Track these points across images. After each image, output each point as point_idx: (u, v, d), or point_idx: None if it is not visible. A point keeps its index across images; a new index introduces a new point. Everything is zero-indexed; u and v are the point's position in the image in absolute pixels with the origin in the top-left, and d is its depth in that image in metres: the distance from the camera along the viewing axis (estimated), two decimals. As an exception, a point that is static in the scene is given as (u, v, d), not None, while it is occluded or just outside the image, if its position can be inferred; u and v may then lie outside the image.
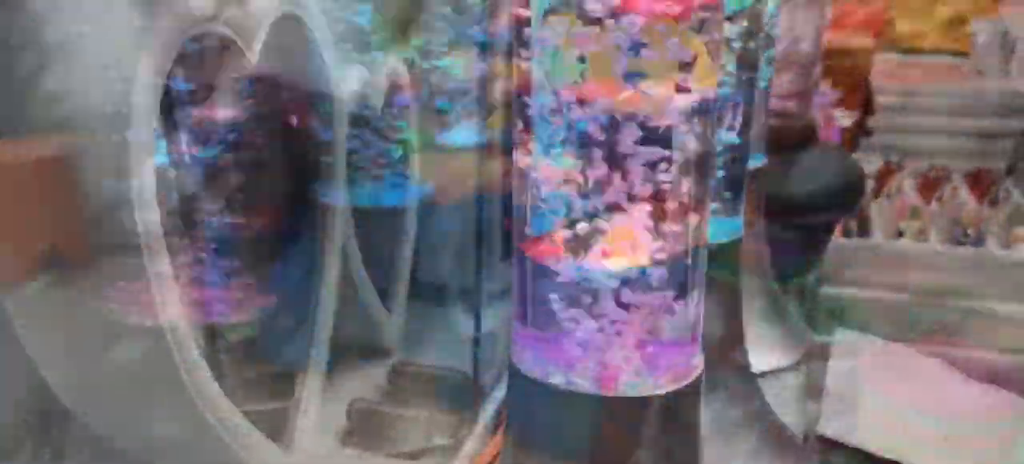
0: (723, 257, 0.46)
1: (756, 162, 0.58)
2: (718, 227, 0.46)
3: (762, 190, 0.58)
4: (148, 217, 0.28)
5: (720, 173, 0.45)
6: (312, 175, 0.43)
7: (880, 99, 1.96)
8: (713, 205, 0.44)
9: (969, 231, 0.95)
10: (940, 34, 2.39)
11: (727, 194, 0.46)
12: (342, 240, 0.45)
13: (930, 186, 1.14)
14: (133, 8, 0.28)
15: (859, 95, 1.94)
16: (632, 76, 0.28)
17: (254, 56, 0.34)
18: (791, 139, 0.68)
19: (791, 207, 0.65)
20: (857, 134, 1.98)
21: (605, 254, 0.30)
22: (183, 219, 0.39)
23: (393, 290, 0.50)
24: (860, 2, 2.32)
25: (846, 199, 0.69)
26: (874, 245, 1.01)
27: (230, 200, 0.40)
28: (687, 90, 0.29)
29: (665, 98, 0.28)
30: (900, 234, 1.00)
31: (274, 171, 0.43)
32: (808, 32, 0.68)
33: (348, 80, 0.44)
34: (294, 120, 0.42)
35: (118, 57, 0.27)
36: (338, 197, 0.43)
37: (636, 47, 0.27)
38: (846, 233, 1.04)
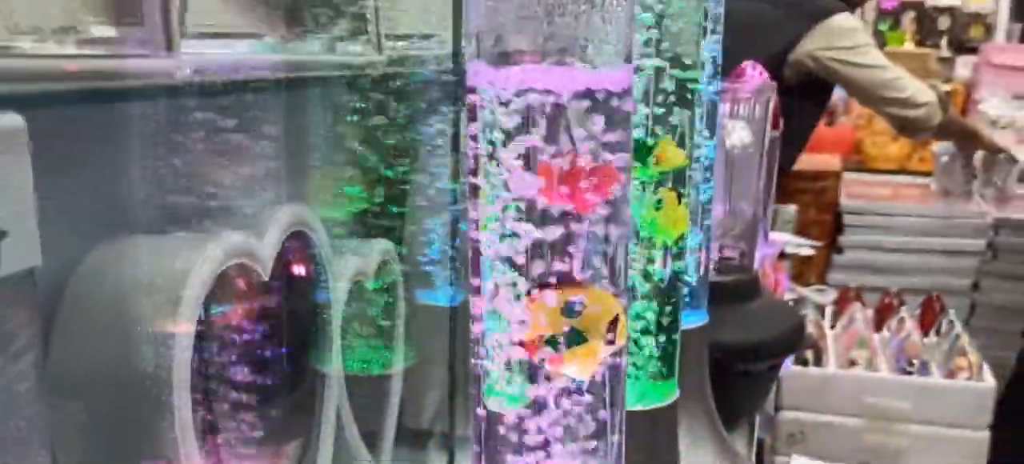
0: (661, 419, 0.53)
1: (697, 320, 0.66)
2: (653, 390, 0.54)
3: (702, 346, 0.66)
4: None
5: (650, 346, 0.53)
6: (309, 347, 0.51)
7: (847, 218, 2.07)
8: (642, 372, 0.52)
9: (914, 361, 1.03)
10: (905, 155, 2.52)
11: (662, 367, 0.54)
12: (337, 403, 0.53)
13: (883, 314, 1.22)
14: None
15: (829, 218, 2.05)
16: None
17: (266, 274, 0.43)
18: (737, 293, 0.77)
19: (739, 357, 0.73)
20: (829, 252, 2.08)
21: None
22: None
23: (381, 443, 0.58)
24: (827, 126, 2.45)
25: (790, 346, 0.78)
26: (829, 374, 1.08)
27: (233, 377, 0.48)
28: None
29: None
30: (852, 363, 1.08)
31: (277, 347, 0.51)
32: (749, 191, 0.77)
33: (346, 267, 0.53)
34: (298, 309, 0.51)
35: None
36: (333, 364, 0.51)
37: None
38: (802, 362, 1.11)
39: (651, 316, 0.52)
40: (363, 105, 0.50)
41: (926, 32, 3.00)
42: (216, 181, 0.40)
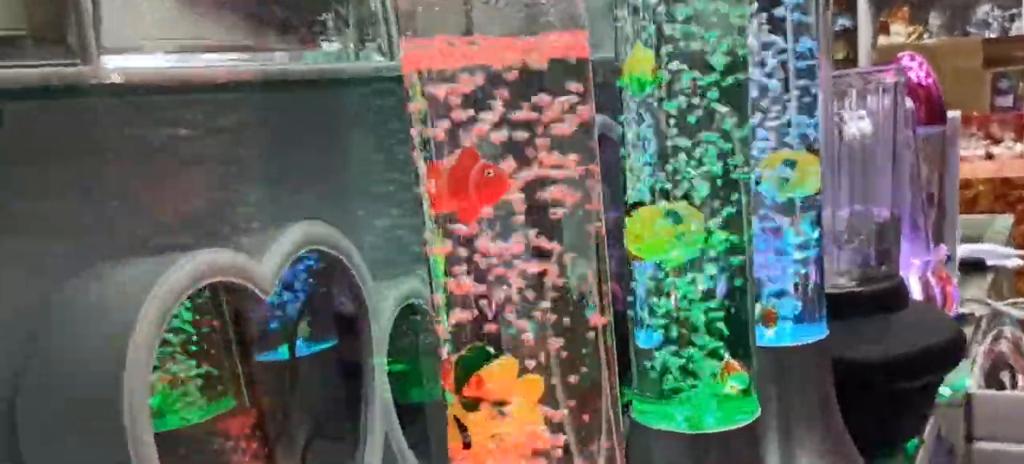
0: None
1: (813, 335, 0.59)
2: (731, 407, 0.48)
3: (822, 364, 0.58)
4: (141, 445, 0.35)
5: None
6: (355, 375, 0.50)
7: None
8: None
9: None
10: None
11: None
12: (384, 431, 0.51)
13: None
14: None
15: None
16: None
17: (267, 294, 0.42)
18: (875, 304, 0.68)
19: (873, 374, 0.64)
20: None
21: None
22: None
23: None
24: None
25: (942, 362, 0.67)
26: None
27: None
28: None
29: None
30: (1057, 384, 0.94)
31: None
32: (878, 190, 0.68)
33: (386, 302, 0.51)
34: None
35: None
36: (380, 391, 0.49)
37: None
38: (998, 385, 0.98)
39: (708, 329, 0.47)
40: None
41: None
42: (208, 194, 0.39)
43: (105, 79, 0.33)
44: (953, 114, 0.98)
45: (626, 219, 0.49)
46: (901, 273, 0.72)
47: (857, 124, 0.65)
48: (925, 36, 3.37)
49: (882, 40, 3.29)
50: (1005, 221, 1.59)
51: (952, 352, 0.67)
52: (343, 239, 0.48)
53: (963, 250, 1.13)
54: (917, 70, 0.91)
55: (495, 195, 0.30)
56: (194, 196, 0.39)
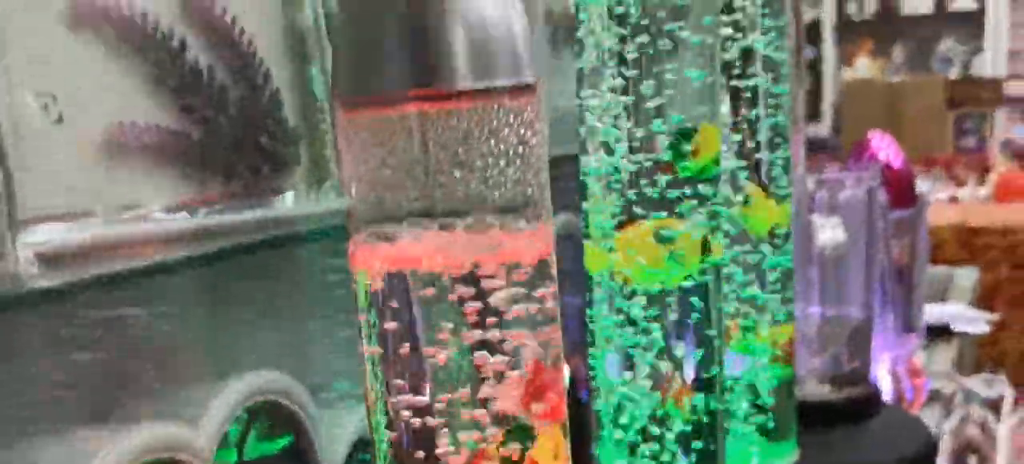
0: None
1: (782, 457, 0.57)
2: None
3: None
4: None
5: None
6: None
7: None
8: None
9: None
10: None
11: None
12: None
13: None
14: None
15: None
16: None
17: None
18: (848, 413, 0.66)
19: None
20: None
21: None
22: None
23: None
24: (1023, 171, 2.19)
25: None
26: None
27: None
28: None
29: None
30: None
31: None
32: (852, 293, 0.67)
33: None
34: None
35: None
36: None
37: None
38: (965, 469, 0.97)
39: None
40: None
41: None
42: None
43: (25, 277, 0.30)
44: (923, 188, 0.97)
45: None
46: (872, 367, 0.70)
47: (830, 232, 0.63)
48: (889, 69, 3.39)
49: (847, 73, 3.31)
50: (970, 274, 1.59)
51: (922, 460, 0.65)
52: (294, 385, 0.45)
53: (928, 313, 1.12)
54: (887, 150, 0.90)
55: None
56: (129, 371, 0.36)
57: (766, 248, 0.54)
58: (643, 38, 0.40)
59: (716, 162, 0.42)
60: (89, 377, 0.35)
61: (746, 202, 0.54)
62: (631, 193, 0.42)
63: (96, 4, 0.35)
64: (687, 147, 0.39)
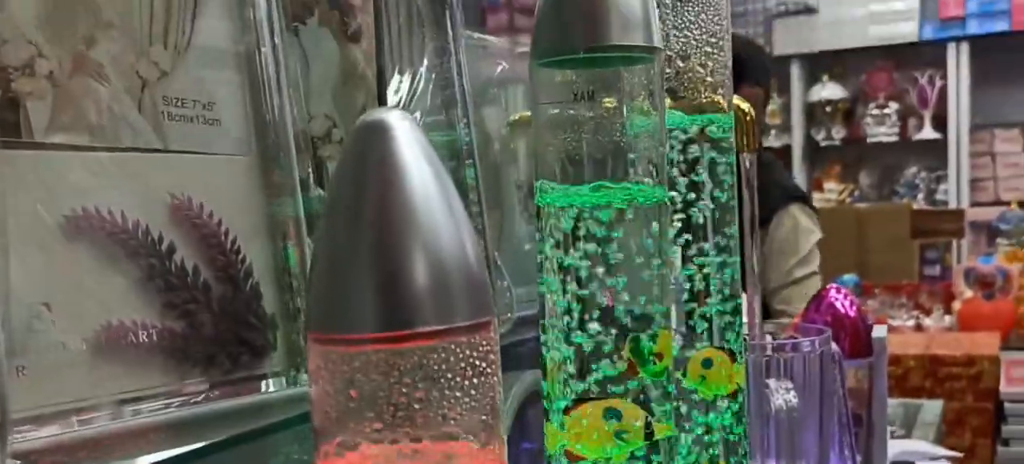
0: None
1: None
2: None
3: None
4: None
5: None
6: None
7: (1010, 407, 1.85)
8: None
9: None
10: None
11: None
12: None
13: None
14: None
15: (989, 407, 1.84)
16: None
17: None
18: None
19: None
20: (994, 446, 1.86)
21: None
22: None
23: None
24: (986, 300, 2.25)
25: None
26: None
27: None
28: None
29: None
30: None
31: None
32: (810, 452, 0.69)
33: None
34: None
35: None
36: None
37: None
38: None
39: None
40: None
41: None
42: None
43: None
44: (879, 333, 1.00)
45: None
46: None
47: (783, 396, 0.66)
48: (855, 194, 3.49)
49: (816, 197, 3.39)
50: (934, 407, 1.62)
51: None
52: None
53: (892, 451, 1.14)
54: (842, 301, 0.94)
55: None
56: None
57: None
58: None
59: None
60: None
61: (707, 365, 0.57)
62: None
63: (92, 216, 0.38)
64: (651, 349, 0.42)
